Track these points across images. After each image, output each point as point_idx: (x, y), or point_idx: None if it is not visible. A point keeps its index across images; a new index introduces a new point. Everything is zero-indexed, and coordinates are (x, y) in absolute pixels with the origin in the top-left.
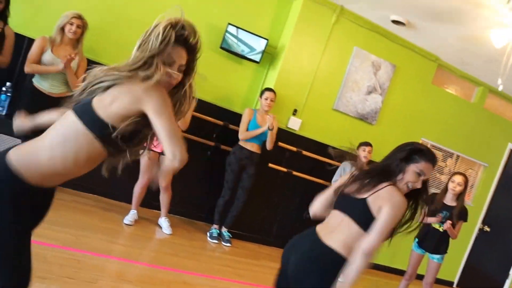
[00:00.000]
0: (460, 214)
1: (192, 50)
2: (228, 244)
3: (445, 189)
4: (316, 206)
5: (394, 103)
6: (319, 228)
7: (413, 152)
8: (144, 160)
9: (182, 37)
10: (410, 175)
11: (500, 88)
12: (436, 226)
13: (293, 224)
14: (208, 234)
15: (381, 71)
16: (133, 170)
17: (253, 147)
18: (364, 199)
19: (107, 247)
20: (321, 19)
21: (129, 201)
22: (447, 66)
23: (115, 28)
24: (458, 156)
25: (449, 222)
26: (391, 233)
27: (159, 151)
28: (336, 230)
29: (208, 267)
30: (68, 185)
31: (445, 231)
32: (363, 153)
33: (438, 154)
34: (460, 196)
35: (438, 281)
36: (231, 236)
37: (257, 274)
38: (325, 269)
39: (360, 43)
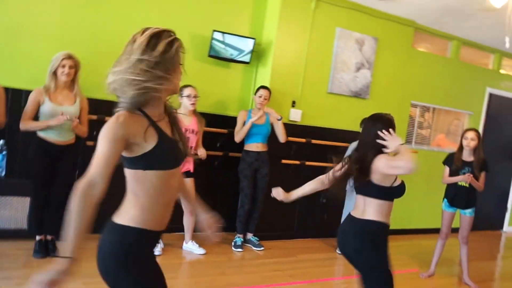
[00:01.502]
0: (481, 166)
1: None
2: (261, 248)
3: (461, 147)
4: (303, 190)
5: (382, 74)
6: (352, 213)
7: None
8: None
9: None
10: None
11: (507, 46)
12: (462, 183)
13: (312, 212)
14: (232, 243)
15: (365, 47)
16: None
17: (258, 147)
18: (371, 181)
19: None
20: (302, 8)
21: None
22: (423, 28)
23: (106, 60)
24: (434, 109)
25: (470, 175)
26: None
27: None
28: (366, 208)
29: (260, 277)
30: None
31: (471, 185)
32: None
33: (413, 111)
34: (476, 150)
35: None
36: (258, 239)
37: (305, 270)
38: (371, 236)
39: (342, 23)
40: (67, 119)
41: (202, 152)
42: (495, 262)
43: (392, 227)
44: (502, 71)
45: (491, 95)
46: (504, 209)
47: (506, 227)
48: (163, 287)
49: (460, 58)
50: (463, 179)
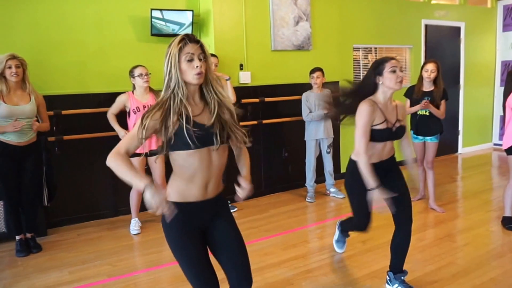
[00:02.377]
0: (440, 94)
1: (198, 42)
2: (235, 209)
3: (421, 79)
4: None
5: (320, 24)
6: None
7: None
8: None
9: (184, 40)
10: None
11: None
12: (422, 112)
13: (277, 168)
14: None
15: (299, 0)
16: (113, 183)
17: None
18: None
19: (145, 260)
20: None
21: (122, 212)
22: None
23: (50, 56)
24: (375, 49)
25: (425, 101)
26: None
27: (146, 151)
28: None
29: None
30: (64, 223)
31: (431, 113)
32: (313, 80)
33: (357, 54)
34: (436, 80)
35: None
36: (230, 202)
37: (279, 223)
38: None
39: None
40: (24, 125)
41: None
42: (456, 184)
43: None
44: (433, 1)
45: (426, 26)
46: (457, 132)
47: (460, 149)
48: (205, 273)
49: None
50: (420, 107)
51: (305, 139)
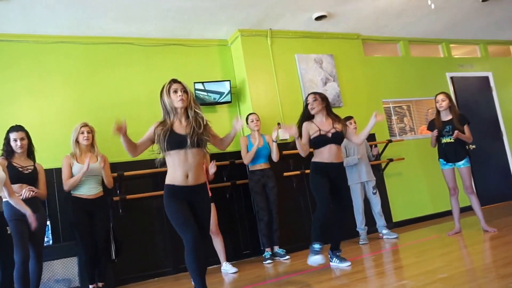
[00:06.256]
0: (460, 120)
1: (179, 82)
2: (287, 257)
3: (437, 111)
4: None
5: (347, 83)
6: None
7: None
8: None
9: (172, 81)
10: None
11: (432, 7)
12: (447, 140)
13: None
14: (264, 257)
15: (324, 64)
16: (172, 242)
17: (261, 166)
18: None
19: None
20: (260, 45)
21: (183, 270)
22: (368, 38)
23: (108, 131)
24: (408, 106)
25: (456, 131)
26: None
27: None
28: None
29: (294, 270)
30: (130, 280)
31: (457, 139)
32: (351, 126)
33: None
34: (451, 108)
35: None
36: (285, 251)
37: None
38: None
39: (298, 50)
40: (87, 168)
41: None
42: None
43: (404, 217)
44: (455, 56)
45: (452, 78)
46: (510, 180)
47: None
48: (186, 219)
49: (412, 54)
50: (434, 135)
51: (349, 184)
